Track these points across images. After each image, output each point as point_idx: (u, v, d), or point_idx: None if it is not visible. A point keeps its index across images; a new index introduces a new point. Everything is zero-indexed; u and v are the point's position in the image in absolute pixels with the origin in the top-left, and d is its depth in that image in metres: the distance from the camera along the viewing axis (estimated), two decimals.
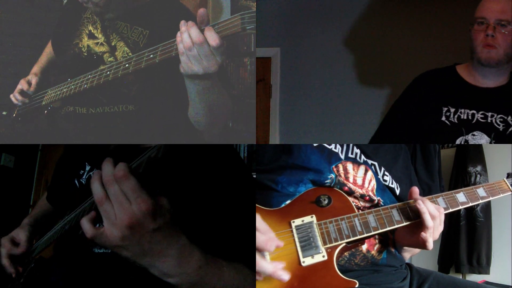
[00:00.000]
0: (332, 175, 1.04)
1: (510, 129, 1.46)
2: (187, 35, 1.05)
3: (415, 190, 1.02)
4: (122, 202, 0.66)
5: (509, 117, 1.46)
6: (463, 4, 2.15)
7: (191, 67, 1.08)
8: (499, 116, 1.46)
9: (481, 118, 1.47)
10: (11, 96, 1.52)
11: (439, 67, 1.61)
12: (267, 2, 2.90)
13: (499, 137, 1.46)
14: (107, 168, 0.69)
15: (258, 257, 0.84)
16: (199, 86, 1.15)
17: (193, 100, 1.22)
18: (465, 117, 1.47)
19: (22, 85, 1.51)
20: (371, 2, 2.64)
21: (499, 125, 1.46)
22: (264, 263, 0.84)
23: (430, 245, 0.98)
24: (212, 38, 1.04)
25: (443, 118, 1.49)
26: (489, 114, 1.47)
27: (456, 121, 1.48)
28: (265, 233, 0.85)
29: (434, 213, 0.97)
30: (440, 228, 0.99)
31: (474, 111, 1.47)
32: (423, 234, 0.97)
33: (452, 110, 1.49)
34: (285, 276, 0.85)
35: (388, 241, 1.09)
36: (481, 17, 1.43)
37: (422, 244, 0.99)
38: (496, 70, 1.48)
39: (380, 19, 2.80)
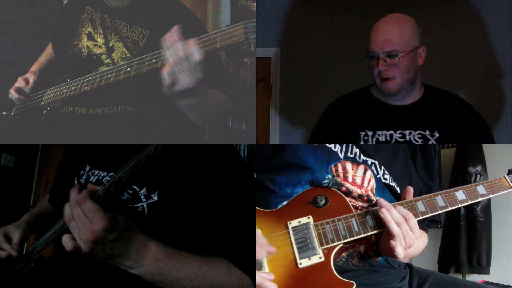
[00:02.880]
0: (329, 176, 1.04)
1: (429, 143, 1.43)
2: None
3: (409, 190, 1.01)
4: (84, 221, 0.80)
5: (427, 132, 1.43)
6: None
7: (171, 84, 1.06)
8: (417, 132, 1.44)
9: (400, 137, 1.44)
10: (9, 92, 1.53)
11: (354, 90, 1.59)
12: (267, 2, 2.90)
13: None
14: (72, 195, 0.84)
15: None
16: (188, 104, 1.17)
17: (189, 113, 1.24)
18: (384, 139, 1.44)
19: (19, 82, 1.51)
20: (372, 2, 2.63)
21: (417, 141, 1.44)
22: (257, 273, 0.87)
23: (399, 253, 0.94)
24: (195, 52, 1.03)
25: (362, 143, 1.45)
26: (407, 132, 1.44)
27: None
28: (256, 240, 0.89)
29: (398, 220, 0.94)
30: (411, 235, 0.95)
31: (392, 132, 1.45)
32: (391, 242, 0.94)
33: (370, 133, 1.46)
34: None
35: None
36: (371, 51, 1.41)
37: (391, 253, 0.95)
38: (402, 96, 1.46)
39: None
